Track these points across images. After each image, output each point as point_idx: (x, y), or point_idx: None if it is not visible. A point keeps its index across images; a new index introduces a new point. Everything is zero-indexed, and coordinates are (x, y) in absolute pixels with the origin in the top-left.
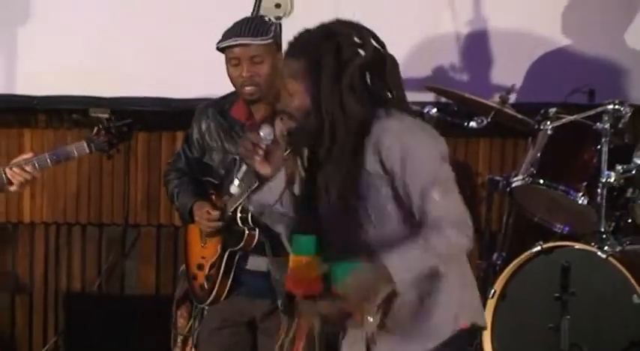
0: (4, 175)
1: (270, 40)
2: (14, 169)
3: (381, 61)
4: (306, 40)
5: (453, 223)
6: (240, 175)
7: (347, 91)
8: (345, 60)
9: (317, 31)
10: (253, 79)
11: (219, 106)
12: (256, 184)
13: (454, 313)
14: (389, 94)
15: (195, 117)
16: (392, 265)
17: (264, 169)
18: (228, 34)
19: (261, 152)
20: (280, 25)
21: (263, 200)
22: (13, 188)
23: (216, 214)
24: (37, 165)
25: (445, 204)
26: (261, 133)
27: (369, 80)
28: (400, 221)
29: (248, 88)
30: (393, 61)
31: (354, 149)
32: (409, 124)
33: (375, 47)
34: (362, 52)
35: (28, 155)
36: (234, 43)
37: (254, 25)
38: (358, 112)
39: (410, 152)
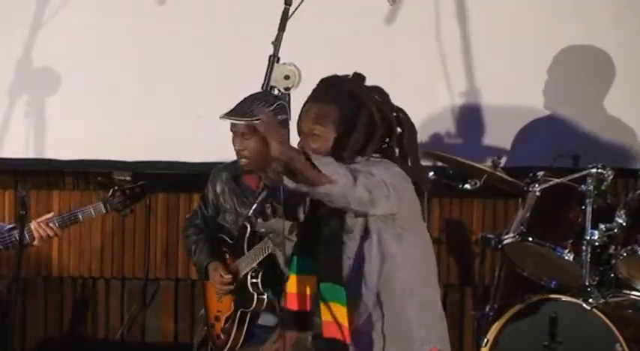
0: (29, 233)
1: (257, 120)
2: (38, 223)
3: (406, 129)
4: (341, 89)
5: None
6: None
7: (370, 149)
8: (380, 119)
9: (351, 83)
10: (242, 153)
11: (233, 170)
12: (265, 254)
13: (421, 338)
14: (405, 159)
15: (211, 178)
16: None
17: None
18: (229, 110)
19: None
20: (289, 95)
21: (274, 226)
22: (35, 243)
23: (228, 278)
24: (56, 223)
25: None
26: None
27: (388, 141)
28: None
29: (241, 160)
30: (413, 128)
31: None
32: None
33: (402, 116)
34: (392, 115)
35: (50, 214)
36: (226, 119)
37: (247, 105)
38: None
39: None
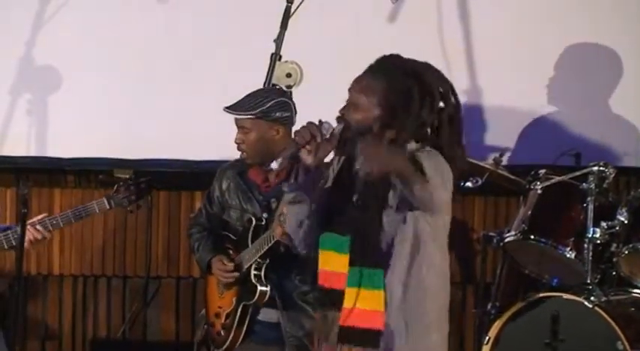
0: (14, 236)
1: (248, 116)
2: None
3: (453, 117)
4: (396, 65)
5: None
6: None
7: (415, 129)
8: (427, 102)
9: (408, 63)
10: (241, 146)
11: (239, 167)
12: (270, 244)
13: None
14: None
15: (217, 176)
16: None
17: (309, 159)
18: (233, 103)
19: (313, 143)
20: (291, 92)
21: (300, 216)
22: (25, 245)
23: (230, 265)
24: (49, 224)
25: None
26: (323, 127)
27: (437, 127)
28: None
29: (240, 153)
30: (460, 121)
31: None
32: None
33: (454, 104)
34: (442, 103)
35: (41, 216)
36: (228, 112)
37: (248, 100)
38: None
39: None
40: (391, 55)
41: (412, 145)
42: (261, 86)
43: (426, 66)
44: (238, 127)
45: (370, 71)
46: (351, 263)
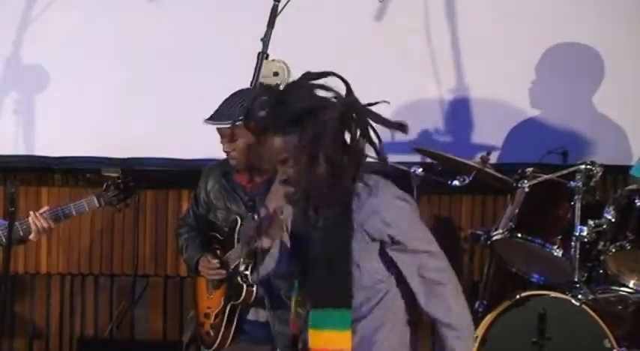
0: (25, 226)
1: (237, 123)
2: (35, 215)
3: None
4: (291, 109)
5: None
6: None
7: (359, 165)
8: (327, 129)
9: (299, 96)
10: (230, 154)
11: (223, 168)
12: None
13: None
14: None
15: (202, 177)
16: None
17: (267, 243)
18: (211, 114)
19: (262, 231)
20: None
21: (268, 269)
22: (31, 236)
23: (215, 262)
24: (50, 217)
25: None
26: (261, 213)
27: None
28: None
29: (231, 161)
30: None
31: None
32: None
33: (347, 103)
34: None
35: (45, 208)
36: (211, 124)
37: (228, 108)
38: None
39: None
40: (272, 107)
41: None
42: (249, 85)
43: (307, 89)
44: (223, 136)
45: (273, 130)
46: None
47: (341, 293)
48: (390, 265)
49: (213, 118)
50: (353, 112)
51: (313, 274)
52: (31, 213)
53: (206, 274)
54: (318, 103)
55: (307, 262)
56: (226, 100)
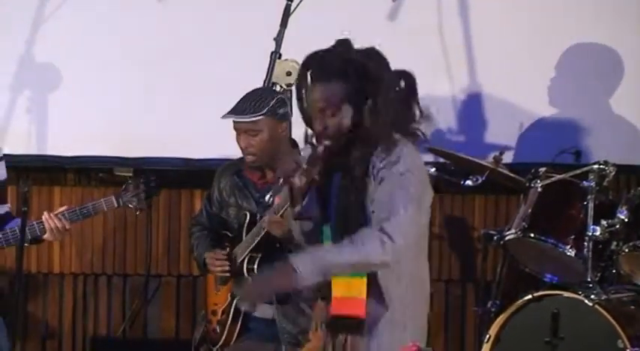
0: (42, 226)
1: (259, 117)
2: (49, 215)
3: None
4: (335, 64)
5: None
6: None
7: (400, 119)
8: (377, 86)
9: (343, 53)
10: (249, 149)
11: (236, 167)
12: (260, 236)
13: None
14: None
15: (216, 176)
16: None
17: (299, 183)
18: (230, 109)
19: (300, 170)
20: (291, 91)
21: (305, 228)
22: (45, 236)
23: (220, 253)
24: (67, 216)
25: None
26: (302, 154)
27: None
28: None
29: (247, 157)
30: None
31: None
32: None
33: (396, 75)
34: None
35: (63, 208)
36: (228, 118)
37: (249, 103)
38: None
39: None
40: (317, 55)
41: (396, 136)
42: (261, 85)
43: (349, 48)
44: (240, 131)
45: (317, 79)
46: None
47: None
48: None
49: (235, 113)
50: (405, 81)
51: (335, 220)
52: (45, 213)
53: (212, 267)
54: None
55: (329, 207)
56: (245, 96)
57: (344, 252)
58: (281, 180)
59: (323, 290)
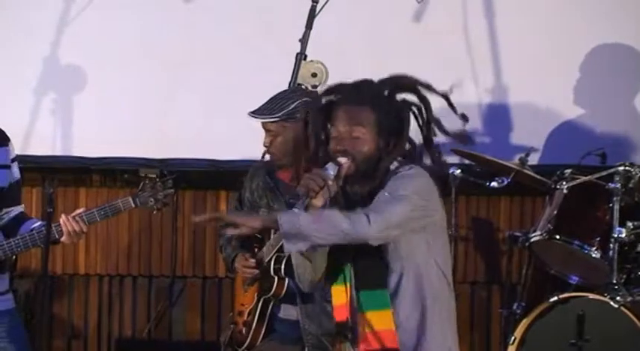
0: (59, 229)
1: (274, 119)
2: (66, 217)
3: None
4: (374, 92)
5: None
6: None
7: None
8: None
9: (385, 87)
10: (269, 149)
11: (269, 167)
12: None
13: (448, 346)
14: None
15: (248, 177)
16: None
17: (318, 202)
18: (256, 108)
19: (323, 186)
20: (316, 92)
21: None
22: (63, 238)
23: (252, 261)
24: (85, 219)
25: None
26: (329, 171)
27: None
28: None
29: (268, 155)
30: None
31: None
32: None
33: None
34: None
35: (80, 210)
36: (253, 117)
37: (272, 103)
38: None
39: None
40: (365, 81)
41: (394, 164)
42: (287, 86)
43: (394, 86)
44: (265, 130)
45: (351, 101)
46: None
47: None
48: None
49: (256, 112)
50: (425, 110)
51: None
52: (63, 216)
53: (241, 272)
54: (394, 89)
55: None
56: (273, 96)
57: (327, 219)
58: (302, 193)
59: (346, 331)
